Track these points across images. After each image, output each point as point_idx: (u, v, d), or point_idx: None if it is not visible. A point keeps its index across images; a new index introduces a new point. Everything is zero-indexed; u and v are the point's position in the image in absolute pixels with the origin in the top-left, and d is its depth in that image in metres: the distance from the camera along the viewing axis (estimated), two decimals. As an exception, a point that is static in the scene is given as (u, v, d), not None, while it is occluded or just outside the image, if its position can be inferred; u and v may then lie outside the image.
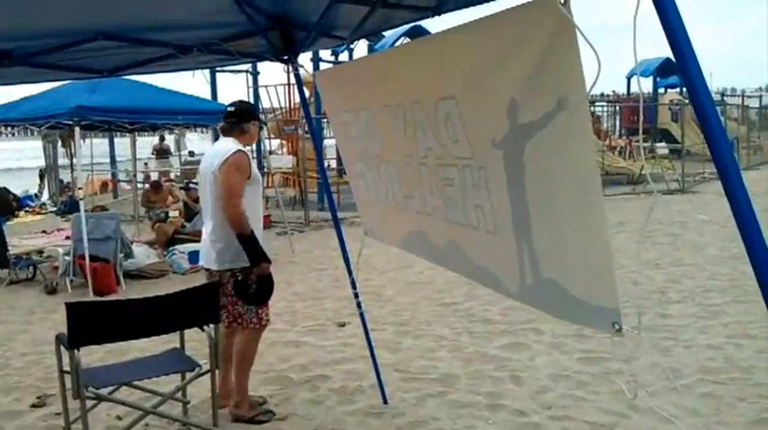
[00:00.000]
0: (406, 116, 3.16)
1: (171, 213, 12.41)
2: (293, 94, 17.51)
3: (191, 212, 11.82)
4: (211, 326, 4.02)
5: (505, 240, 2.59)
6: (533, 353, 5.65)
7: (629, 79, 28.43)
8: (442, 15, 3.19)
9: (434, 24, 3.42)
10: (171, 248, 10.28)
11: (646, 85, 29.25)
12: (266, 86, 18.32)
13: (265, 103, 18.21)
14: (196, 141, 27.45)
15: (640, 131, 22.44)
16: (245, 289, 4.34)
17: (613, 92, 29.87)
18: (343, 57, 18.22)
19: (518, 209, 2.47)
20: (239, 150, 4.34)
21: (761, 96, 33.04)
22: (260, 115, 16.20)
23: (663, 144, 23.94)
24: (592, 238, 2.17)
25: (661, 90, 27.70)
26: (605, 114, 29.13)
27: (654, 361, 5.22)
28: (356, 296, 4.59)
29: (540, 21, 2.07)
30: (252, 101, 18.08)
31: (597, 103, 28.40)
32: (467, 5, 2.99)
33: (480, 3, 2.92)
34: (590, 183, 2.13)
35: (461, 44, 2.62)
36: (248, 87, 18.43)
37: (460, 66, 2.62)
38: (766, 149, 27.51)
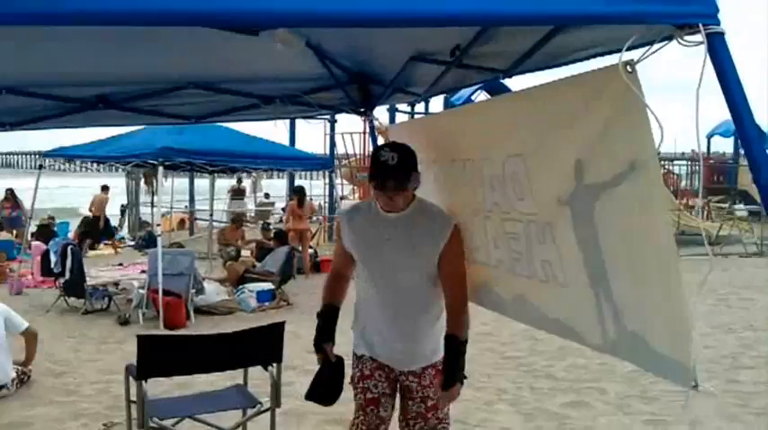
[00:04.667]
0: (474, 171, 3.24)
1: (243, 252, 12.72)
2: (368, 143, 17.81)
3: (262, 253, 12.11)
4: (274, 365, 4.12)
5: (580, 293, 2.62)
6: (596, 413, 5.55)
7: (709, 139, 27.90)
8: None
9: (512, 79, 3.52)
10: (240, 287, 10.51)
11: (726, 145, 28.66)
12: (342, 134, 18.77)
13: (340, 149, 18.65)
14: (273, 185, 28.13)
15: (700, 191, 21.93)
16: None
17: (693, 150, 29.19)
18: (419, 107, 18.45)
19: (593, 263, 2.50)
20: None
21: None
22: (335, 161, 16.67)
23: (741, 206, 23.30)
24: (669, 295, 2.20)
25: (742, 151, 27.08)
26: (684, 173, 28.53)
27: (720, 426, 5.06)
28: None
29: (607, 86, 2.15)
30: (329, 147, 18.61)
31: (676, 162, 27.89)
32: (537, 70, 3.10)
33: (549, 68, 3.03)
34: (664, 240, 2.16)
35: (530, 106, 2.73)
36: (326, 134, 18.92)
37: (528, 126, 2.71)
38: None
